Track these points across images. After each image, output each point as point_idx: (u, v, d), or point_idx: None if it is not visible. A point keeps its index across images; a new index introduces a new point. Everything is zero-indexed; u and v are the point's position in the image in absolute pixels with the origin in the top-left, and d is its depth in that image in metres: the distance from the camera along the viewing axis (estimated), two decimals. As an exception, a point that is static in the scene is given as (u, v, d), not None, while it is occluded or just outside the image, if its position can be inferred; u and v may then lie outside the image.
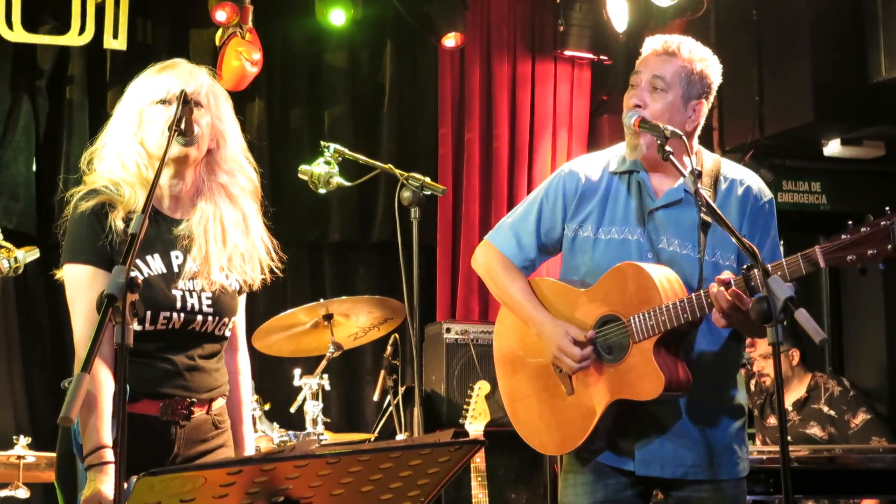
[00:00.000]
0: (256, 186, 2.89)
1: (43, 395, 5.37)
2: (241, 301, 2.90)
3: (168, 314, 2.67)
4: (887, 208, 2.57)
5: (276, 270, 2.91)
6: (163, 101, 2.71)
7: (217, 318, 2.76)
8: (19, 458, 4.08)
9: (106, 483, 2.48)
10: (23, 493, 4.14)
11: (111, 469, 2.51)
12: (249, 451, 2.96)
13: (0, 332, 5.39)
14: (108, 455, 2.52)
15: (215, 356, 2.81)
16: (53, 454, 2.68)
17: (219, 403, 2.80)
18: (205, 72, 2.82)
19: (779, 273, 2.64)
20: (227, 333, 2.83)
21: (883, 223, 2.55)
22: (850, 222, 2.60)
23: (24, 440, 4.15)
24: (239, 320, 2.91)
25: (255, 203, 2.88)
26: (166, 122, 2.65)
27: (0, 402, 5.34)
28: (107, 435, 2.55)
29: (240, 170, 2.85)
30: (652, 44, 3.04)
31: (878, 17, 5.18)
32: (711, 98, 3.05)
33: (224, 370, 2.85)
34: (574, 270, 3.08)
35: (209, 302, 2.74)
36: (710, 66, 3.03)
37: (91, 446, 2.54)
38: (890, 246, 2.53)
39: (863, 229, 2.58)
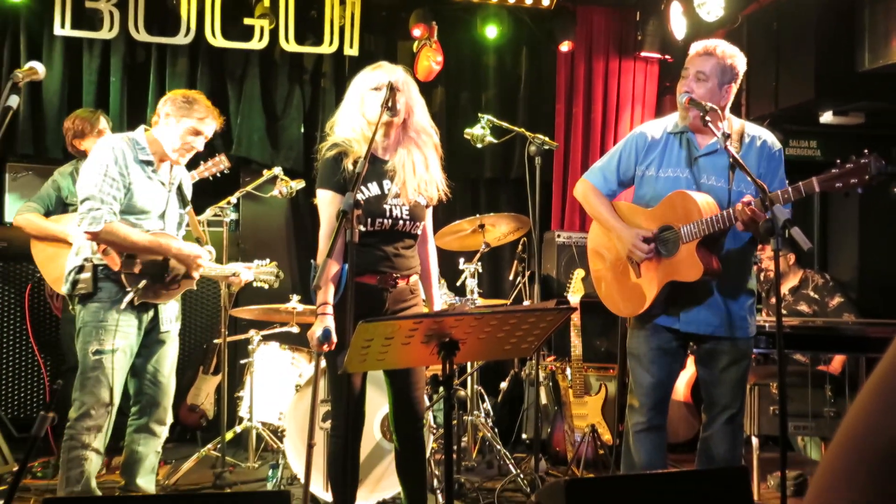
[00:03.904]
0: (436, 141, 2.87)
1: (307, 270, 5.53)
2: (428, 213, 2.89)
3: (381, 220, 2.69)
4: (865, 150, 2.36)
5: (447, 195, 2.89)
6: (376, 88, 2.71)
7: (412, 222, 2.76)
8: (293, 308, 4.23)
9: (318, 326, 2.57)
10: (295, 329, 4.30)
11: (325, 318, 2.59)
12: (438, 306, 2.97)
13: (284, 232, 5.56)
14: (328, 309, 2.60)
15: (411, 248, 2.81)
16: (314, 306, 2.74)
17: (413, 278, 2.81)
18: (401, 69, 2.80)
19: (786, 196, 2.48)
20: (418, 232, 2.82)
21: (862, 161, 2.35)
22: (838, 160, 2.40)
23: (296, 297, 4.30)
24: (428, 224, 2.91)
25: (434, 151, 2.85)
26: (379, 100, 2.65)
27: (283, 273, 5.54)
28: (329, 296, 2.61)
29: (423, 130, 2.82)
30: (696, 47, 2.85)
31: (865, 25, 4.74)
32: (739, 80, 2.84)
33: (417, 257, 2.85)
34: (641, 197, 2.96)
35: (407, 211, 2.73)
36: (737, 60, 2.82)
37: (319, 302, 2.62)
38: (867, 176, 2.33)
39: (847, 165, 2.37)
